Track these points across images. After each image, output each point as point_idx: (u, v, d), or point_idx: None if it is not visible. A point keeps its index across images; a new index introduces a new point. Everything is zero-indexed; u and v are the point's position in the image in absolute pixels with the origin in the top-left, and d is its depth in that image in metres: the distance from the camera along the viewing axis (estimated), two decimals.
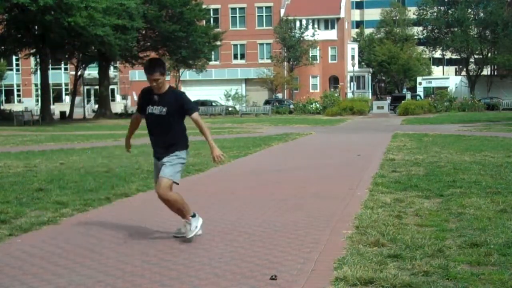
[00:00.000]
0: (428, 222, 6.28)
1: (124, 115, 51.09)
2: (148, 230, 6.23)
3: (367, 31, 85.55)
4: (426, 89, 64.65)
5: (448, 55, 72.40)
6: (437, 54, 75.90)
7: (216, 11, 65.52)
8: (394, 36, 77.73)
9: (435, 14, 65.88)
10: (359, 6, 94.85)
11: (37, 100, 63.73)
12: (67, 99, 66.75)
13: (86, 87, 62.30)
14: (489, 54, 64.64)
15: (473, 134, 21.34)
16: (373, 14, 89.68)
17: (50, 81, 46.67)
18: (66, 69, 67.94)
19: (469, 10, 64.22)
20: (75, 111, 49.31)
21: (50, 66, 51.57)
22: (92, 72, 57.60)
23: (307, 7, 64.82)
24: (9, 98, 71.48)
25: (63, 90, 71.22)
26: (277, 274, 4.51)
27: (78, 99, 55.27)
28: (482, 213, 6.64)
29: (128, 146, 6.15)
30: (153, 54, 50.26)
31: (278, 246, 5.43)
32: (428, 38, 68.14)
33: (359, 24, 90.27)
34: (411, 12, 74.23)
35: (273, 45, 64.03)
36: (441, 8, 65.73)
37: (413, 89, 69.72)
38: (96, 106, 54.76)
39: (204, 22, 52.67)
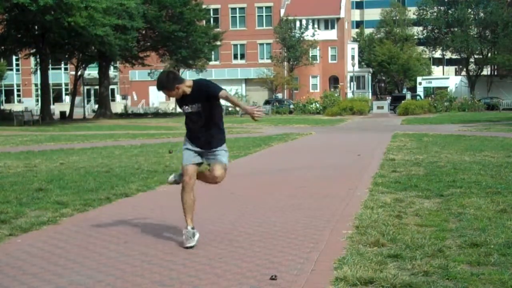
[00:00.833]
0: (428, 222, 6.27)
1: (124, 115, 51.12)
2: (148, 230, 6.23)
3: (367, 31, 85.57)
4: (426, 89, 64.60)
5: (448, 55, 72.43)
6: (437, 54, 75.94)
7: (216, 11, 65.54)
8: (394, 36, 77.72)
9: (435, 14, 65.92)
10: (359, 6, 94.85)
11: (37, 100, 63.73)
12: (67, 99, 66.77)
13: (86, 87, 62.32)
14: (489, 54, 64.66)
15: (473, 134, 21.32)
16: (373, 14, 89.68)
17: (50, 81, 46.70)
18: (66, 69, 67.95)
19: (469, 10, 64.25)
20: (75, 111, 49.30)
21: (50, 66, 51.57)
22: (92, 72, 57.62)
23: (307, 7, 64.82)
24: (9, 98, 71.47)
25: (63, 90, 71.23)
26: (277, 274, 4.51)
27: (78, 99, 55.28)
28: (482, 213, 6.63)
29: None
30: (153, 54, 50.35)
31: (278, 246, 5.42)
32: (428, 38, 68.17)
33: (359, 24, 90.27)
34: (411, 12, 74.23)
35: (273, 45, 64.04)
36: (441, 8, 65.77)
37: (413, 89, 69.65)
38: (96, 106, 54.76)
39: (204, 22, 52.70)
